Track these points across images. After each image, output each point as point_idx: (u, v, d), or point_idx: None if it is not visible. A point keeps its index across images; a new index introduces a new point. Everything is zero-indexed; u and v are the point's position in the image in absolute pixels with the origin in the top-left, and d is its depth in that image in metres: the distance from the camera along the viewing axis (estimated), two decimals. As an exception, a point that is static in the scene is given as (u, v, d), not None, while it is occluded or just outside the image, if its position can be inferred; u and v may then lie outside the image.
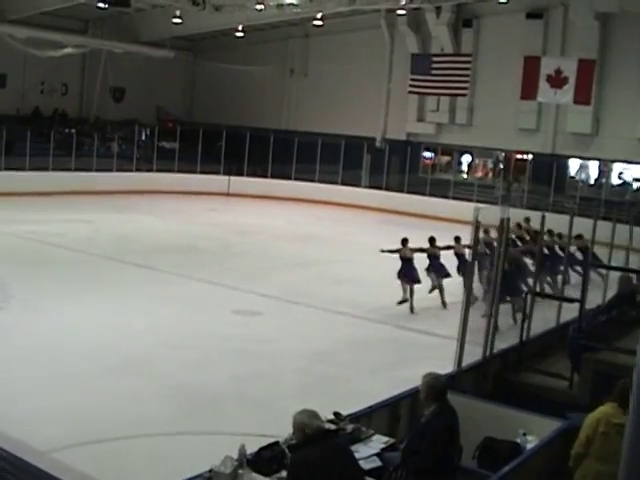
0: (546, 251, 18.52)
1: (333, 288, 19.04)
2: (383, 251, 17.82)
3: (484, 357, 9.95)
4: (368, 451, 6.67)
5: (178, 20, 33.90)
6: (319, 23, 35.64)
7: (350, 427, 6.95)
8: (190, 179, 37.50)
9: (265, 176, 38.96)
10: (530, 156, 35.14)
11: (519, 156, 35.87)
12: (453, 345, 9.80)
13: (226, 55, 40.46)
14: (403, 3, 32.31)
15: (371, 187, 37.86)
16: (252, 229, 28.17)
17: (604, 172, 34.09)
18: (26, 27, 33.64)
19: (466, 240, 17.42)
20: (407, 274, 17.56)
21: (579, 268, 18.62)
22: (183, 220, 29.84)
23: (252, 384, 11.84)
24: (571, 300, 11.06)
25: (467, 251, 18.15)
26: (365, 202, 36.30)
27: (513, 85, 31.39)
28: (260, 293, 17.99)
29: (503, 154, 36.63)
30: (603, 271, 17.46)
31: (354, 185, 37.79)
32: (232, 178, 38.60)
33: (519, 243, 19.60)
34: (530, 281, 16.21)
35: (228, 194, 38.08)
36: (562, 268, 17.18)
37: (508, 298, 14.31)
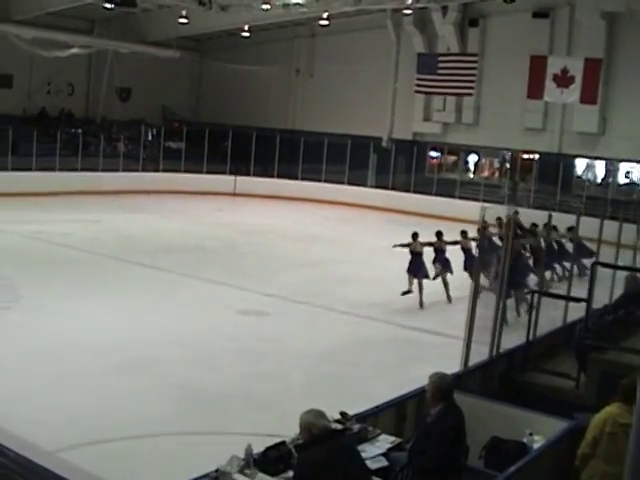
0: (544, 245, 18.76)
1: (339, 288, 19.04)
2: (395, 246, 18.07)
3: (490, 357, 9.93)
4: (374, 451, 6.67)
5: (184, 20, 33.93)
6: (325, 23, 35.63)
7: (356, 427, 6.94)
8: (196, 179, 37.51)
9: (271, 176, 38.96)
10: (537, 156, 35.07)
11: (526, 156, 35.79)
12: (459, 344, 9.78)
13: (232, 55, 40.47)
14: (409, 3, 32.29)
15: (377, 187, 37.84)
16: (258, 229, 28.18)
17: (611, 171, 34.01)
18: (32, 27, 33.71)
19: (471, 233, 17.81)
20: (416, 269, 17.79)
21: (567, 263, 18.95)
22: (189, 220, 29.86)
23: (258, 384, 11.84)
24: (578, 300, 11.03)
25: (473, 244, 18.40)
26: (371, 202, 36.29)
27: (519, 84, 31.33)
28: (266, 293, 18.01)
29: (510, 154, 36.55)
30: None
31: (360, 185, 37.78)
32: (238, 178, 38.63)
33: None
34: (532, 276, 16.41)
35: (234, 194, 38.11)
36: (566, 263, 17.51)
37: (512, 292, 14.42)
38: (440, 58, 34.14)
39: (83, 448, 9.00)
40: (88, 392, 10.90)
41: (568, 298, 12.05)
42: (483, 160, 38.05)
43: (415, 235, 18.21)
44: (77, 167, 34.26)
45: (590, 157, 33.80)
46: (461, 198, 34.65)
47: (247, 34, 37.27)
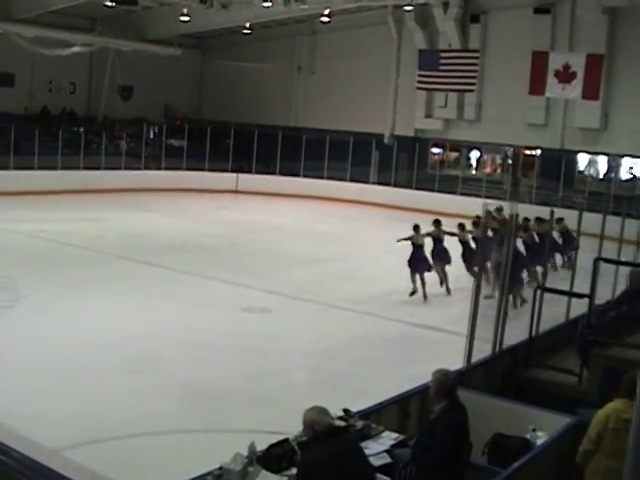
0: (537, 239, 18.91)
1: (342, 285, 19.04)
2: (399, 240, 18.17)
3: (493, 353, 9.93)
4: (378, 448, 6.67)
5: (185, 18, 33.99)
6: (326, 20, 35.70)
7: (360, 424, 6.95)
8: (198, 177, 37.55)
9: (273, 173, 38.98)
10: (539, 151, 35.07)
11: (528, 151, 35.78)
12: (462, 341, 9.80)
13: (234, 52, 40.51)
14: (410, -1, 32.32)
15: (379, 183, 37.86)
16: (261, 226, 28.20)
17: (613, 167, 34.01)
18: (34, 26, 33.74)
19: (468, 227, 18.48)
20: (418, 262, 17.88)
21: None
22: (192, 218, 29.88)
23: (262, 381, 11.85)
24: (580, 295, 11.02)
25: (470, 237, 18.65)
26: (374, 198, 36.34)
27: (521, 80, 31.30)
28: (269, 290, 18.01)
29: (511, 150, 36.53)
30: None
31: (362, 182, 37.79)
32: (240, 176, 38.67)
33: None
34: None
35: (236, 191, 38.14)
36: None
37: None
38: (441, 54, 34.12)
39: (86, 446, 9.01)
40: (91, 390, 10.91)
41: (571, 294, 12.03)
42: (485, 156, 38.04)
43: (416, 227, 18.32)
44: (79, 166, 34.31)
45: (592, 153, 33.79)
46: (463, 194, 34.64)
47: (248, 31, 37.30)
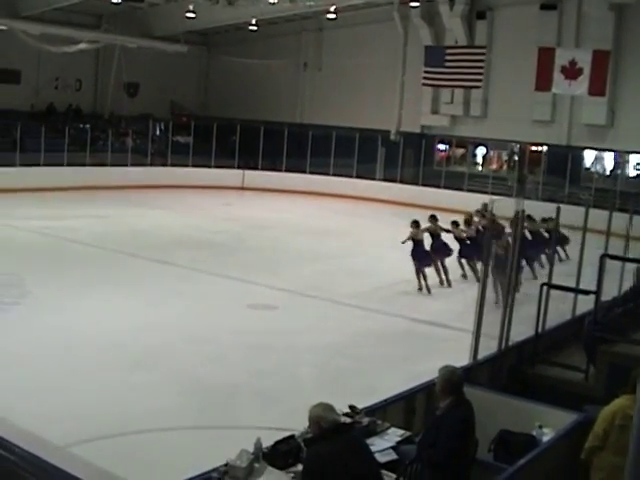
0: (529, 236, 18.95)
1: (348, 281, 19.04)
2: (404, 242, 18.38)
3: (499, 350, 9.92)
4: (384, 444, 6.66)
5: (191, 14, 33.95)
6: (332, 16, 35.65)
7: (366, 420, 6.95)
8: (204, 173, 37.57)
9: (280, 170, 38.99)
10: (545, 148, 35.02)
11: (534, 148, 35.74)
12: (468, 338, 9.79)
13: (240, 49, 40.52)
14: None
15: (386, 180, 37.81)
16: (267, 223, 28.19)
17: (620, 163, 33.95)
18: (40, 23, 33.85)
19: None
20: (420, 257, 18.03)
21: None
22: (198, 214, 29.89)
23: (268, 378, 11.84)
24: (587, 292, 11.00)
25: (464, 235, 18.82)
26: (380, 195, 36.27)
27: (527, 77, 31.20)
28: (275, 287, 18.01)
29: (518, 146, 36.50)
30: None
31: (369, 178, 37.76)
32: (246, 172, 38.69)
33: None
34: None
35: (242, 188, 38.16)
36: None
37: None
38: (448, 51, 34.02)
39: (92, 443, 9.00)
40: (97, 386, 10.92)
41: (577, 290, 12.01)
42: (491, 153, 38.04)
43: (415, 223, 18.42)
44: (85, 162, 34.31)
45: (599, 149, 33.74)
46: (469, 191, 34.54)
47: (254, 28, 37.27)
